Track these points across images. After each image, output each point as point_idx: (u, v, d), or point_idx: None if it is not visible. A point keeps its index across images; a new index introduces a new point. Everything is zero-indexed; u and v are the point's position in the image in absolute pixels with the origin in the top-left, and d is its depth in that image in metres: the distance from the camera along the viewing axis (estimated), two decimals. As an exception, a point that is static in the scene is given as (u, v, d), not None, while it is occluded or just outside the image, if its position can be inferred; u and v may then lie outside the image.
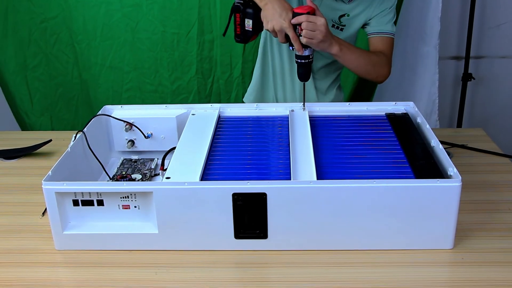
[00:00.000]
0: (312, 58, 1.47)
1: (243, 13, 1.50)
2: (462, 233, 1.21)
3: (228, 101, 2.44)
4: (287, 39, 1.44)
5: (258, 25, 1.50)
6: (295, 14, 1.40)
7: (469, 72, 2.55)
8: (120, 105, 1.54)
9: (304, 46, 1.43)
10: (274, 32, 1.44)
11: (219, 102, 2.44)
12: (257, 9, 1.48)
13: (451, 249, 1.17)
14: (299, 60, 1.47)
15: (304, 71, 1.49)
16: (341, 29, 1.65)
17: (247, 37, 1.54)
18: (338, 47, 1.48)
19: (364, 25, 1.67)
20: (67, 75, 2.44)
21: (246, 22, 1.51)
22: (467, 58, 2.53)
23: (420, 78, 2.44)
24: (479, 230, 1.23)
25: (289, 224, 1.15)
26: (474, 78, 2.57)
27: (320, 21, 1.39)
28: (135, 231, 1.19)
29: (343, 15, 1.64)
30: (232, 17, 1.53)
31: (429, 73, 2.41)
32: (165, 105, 1.54)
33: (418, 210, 1.13)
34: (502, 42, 2.56)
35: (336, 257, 1.15)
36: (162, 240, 1.18)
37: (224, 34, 1.59)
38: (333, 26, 1.65)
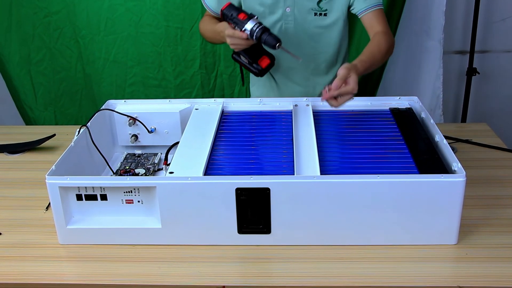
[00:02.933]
0: (260, 23, 1.43)
1: (237, 54, 1.56)
2: (466, 228, 1.21)
3: (231, 95, 2.44)
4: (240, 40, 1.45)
5: (252, 53, 1.53)
6: (223, 13, 1.47)
7: (473, 66, 2.54)
8: (124, 100, 1.54)
9: (240, 28, 1.43)
10: (235, 46, 1.48)
11: (223, 96, 2.44)
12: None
13: (455, 244, 1.17)
14: (255, 38, 1.43)
15: (266, 38, 1.42)
16: (325, 15, 1.63)
17: (256, 67, 1.55)
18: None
19: (350, 7, 1.63)
20: (70, 70, 2.44)
21: (243, 59, 1.55)
22: (471, 52, 2.51)
23: (424, 73, 2.43)
24: (483, 226, 1.23)
25: (292, 219, 1.15)
26: (478, 73, 2.56)
27: (351, 89, 1.33)
28: (138, 225, 1.19)
29: (320, 0, 1.61)
30: (239, 66, 1.63)
31: (433, 68, 2.40)
32: (169, 99, 1.54)
33: (422, 205, 1.12)
34: (507, 36, 2.54)
35: (339, 252, 1.15)
36: (165, 235, 1.18)
37: (243, 84, 1.80)
38: (315, 14, 1.62)
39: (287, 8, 1.61)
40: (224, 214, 1.15)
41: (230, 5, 1.47)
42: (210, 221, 1.16)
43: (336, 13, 1.63)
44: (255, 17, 1.44)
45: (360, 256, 1.14)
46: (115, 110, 1.49)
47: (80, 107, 2.53)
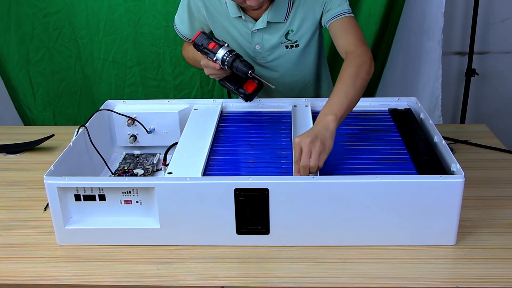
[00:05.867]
0: (231, 51, 1.39)
1: (224, 83, 1.50)
2: (465, 229, 1.20)
3: (230, 96, 2.43)
4: (217, 71, 1.42)
5: (236, 78, 1.47)
6: (195, 44, 1.41)
7: (472, 67, 2.54)
8: (123, 100, 1.54)
9: (212, 57, 1.39)
10: (214, 76, 1.45)
11: (222, 97, 2.43)
12: (226, 74, 1.47)
13: (453, 245, 1.17)
14: (229, 69, 1.40)
15: (237, 65, 1.39)
16: (297, 46, 1.56)
17: (242, 92, 1.48)
18: (335, 123, 1.19)
19: (321, 24, 1.53)
20: (69, 70, 2.44)
21: (228, 85, 1.49)
22: (470, 53, 2.52)
23: (424, 74, 2.43)
24: (482, 226, 1.23)
25: (291, 220, 1.15)
26: (477, 74, 2.56)
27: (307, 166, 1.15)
28: (137, 226, 1.18)
29: (287, 33, 1.54)
30: (227, 91, 1.56)
31: (432, 69, 2.40)
32: (168, 100, 1.54)
33: (421, 206, 1.12)
34: (506, 37, 2.55)
35: (338, 253, 1.15)
36: (163, 235, 1.18)
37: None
38: (286, 47, 1.56)
39: (256, 46, 1.56)
40: (223, 215, 1.15)
41: (201, 35, 1.43)
42: (208, 221, 1.16)
43: (307, 37, 1.55)
44: (226, 45, 1.40)
45: (358, 256, 1.14)
46: (114, 110, 1.49)
47: (79, 107, 2.53)
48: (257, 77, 1.39)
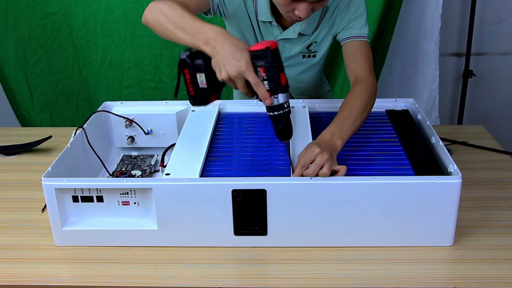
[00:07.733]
0: (288, 105, 1.13)
1: (193, 67, 1.16)
2: (462, 230, 1.21)
3: (228, 97, 2.44)
4: (250, 88, 1.11)
5: (215, 80, 1.14)
6: (253, 54, 1.08)
7: (469, 69, 2.55)
8: (120, 101, 1.54)
9: (273, 91, 1.10)
10: (231, 82, 1.10)
11: (219, 98, 2.43)
12: (209, 60, 1.12)
13: (451, 246, 1.17)
14: (272, 113, 1.13)
15: (283, 125, 1.14)
16: (314, 56, 1.54)
17: (204, 97, 1.19)
18: (341, 148, 1.23)
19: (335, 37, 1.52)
20: (67, 72, 2.44)
21: (198, 77, 1.17)
22: (467, 54, 2.52)
23: (421, 75, 2.44)
24: (479, 227, 1.23)
25: (288, 221, 1.15)
26: (474, 75, 2.57)
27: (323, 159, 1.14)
28: (135, 227, 1.18)
29: (310, 44, 1.51)
30: (181, 75, 1.19)
31: (429, 70, 2.41)
32: (165, 101, 1.54)
33: (418, 207, 1.13)
34: (503, 38, 2.56)
35: (335, 254, 1.15)
36: (161, 237, 1.18)
37: (175, 95, 1.25)
38: (303, 56, 1.53)
39: None
40: (221, 216, 1.15)
41: (277, 50, 1.10)
42: (206, 222, 1.16)
43: (326, 48, 1.54)
44: (288, 91, 1.14)
45: (356, 257, 1.14)
46: (112, 111, 1.49)
47: (77, 109, 2.53)
48: (287, 146, 1.22)
